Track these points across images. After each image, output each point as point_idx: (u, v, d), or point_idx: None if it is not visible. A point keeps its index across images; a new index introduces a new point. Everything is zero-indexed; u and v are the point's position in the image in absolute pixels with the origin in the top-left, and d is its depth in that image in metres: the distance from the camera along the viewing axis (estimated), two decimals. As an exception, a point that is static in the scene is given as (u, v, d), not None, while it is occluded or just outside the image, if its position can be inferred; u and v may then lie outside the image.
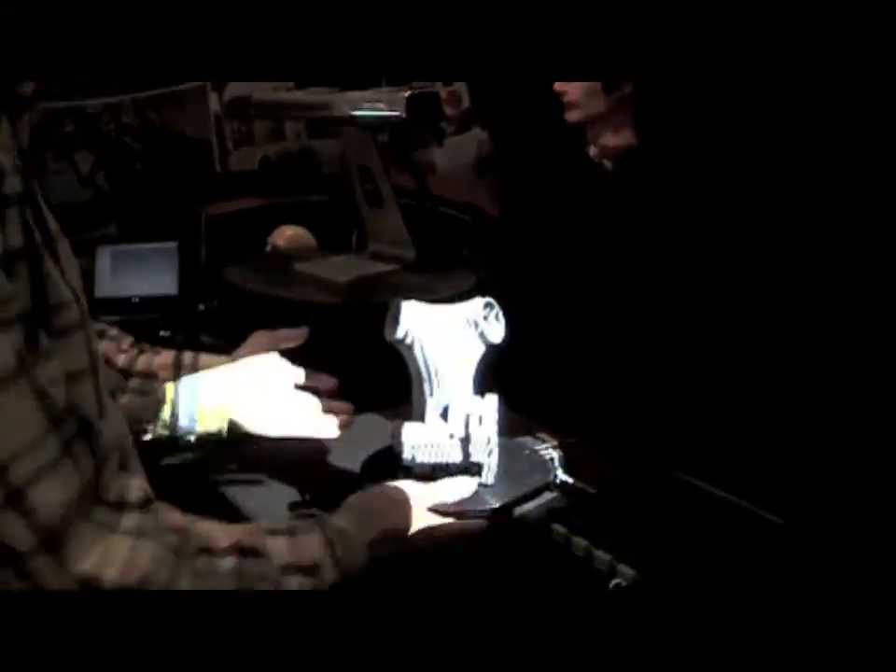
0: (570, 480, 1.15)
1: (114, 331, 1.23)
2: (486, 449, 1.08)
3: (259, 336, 1.32)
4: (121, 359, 1.19)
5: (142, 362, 1.20)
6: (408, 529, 1.02)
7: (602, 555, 0.97)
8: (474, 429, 1.08)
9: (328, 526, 0.94)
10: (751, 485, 1.07)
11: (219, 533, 0.84)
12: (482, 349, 1.13)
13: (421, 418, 1.12)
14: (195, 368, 1.21)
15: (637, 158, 1.37)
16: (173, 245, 2.05)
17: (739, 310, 1.24)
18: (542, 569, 1.01)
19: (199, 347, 1.79)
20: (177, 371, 1.20)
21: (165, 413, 1.15)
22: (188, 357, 1.23)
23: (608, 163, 1.43)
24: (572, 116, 1.39)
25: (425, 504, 1.05)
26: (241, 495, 1.21)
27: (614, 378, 1.39)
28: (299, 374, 1.24)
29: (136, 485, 0.78)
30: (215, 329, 1.87)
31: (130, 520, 0.75)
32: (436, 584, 0.99)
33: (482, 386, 1.14)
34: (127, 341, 1.22)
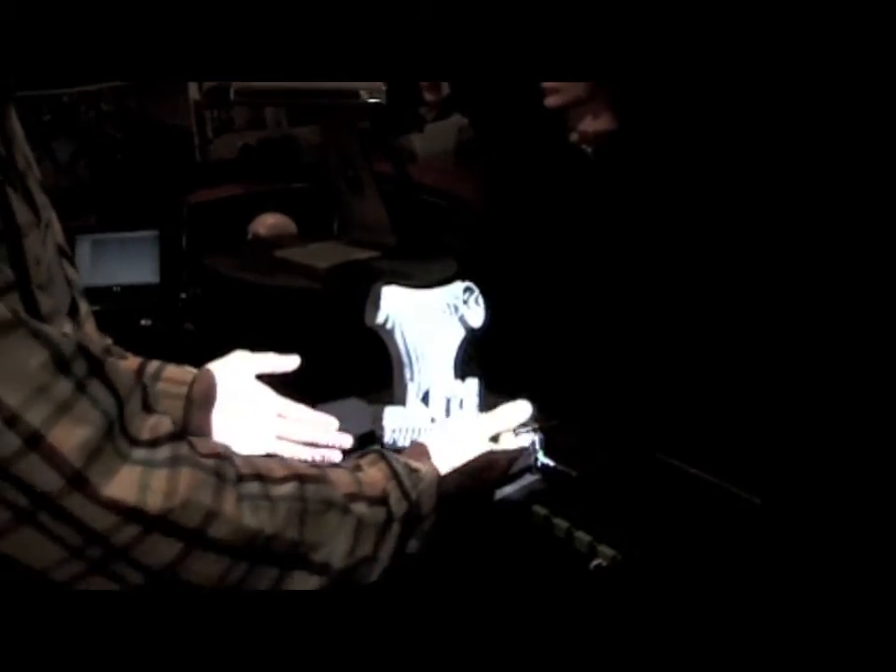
0: (551, 462, 1.16)
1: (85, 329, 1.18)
2: None
3: (238, 357, 1.19)
4: None
5: None
6: (481, 463, 1.02)
7: (582, 536, 0.98)
8: (455, 413, 1.09)
9: (393, 459, 0.92)
10: (729, 466, 1.08)
11: (275, 465, 0.83)
12: (462, 333, 1.14)
13: (402, 402, 1.12)
14: (157, 377, 1.13)
15: (617, 142, 1.38)
16: (153, 233, 2.04)
17: (718, 292, 1.25)
18: (523, 551, 1.02)
19: (181, 336, 1.80)
20: (139, 377, 1.12)
21: None
22: (152, 367, 1.14)
23: (588, 148, 1.43)
24: (552, 101, 1.39)
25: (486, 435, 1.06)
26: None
27: (594, 361, 1.40)
28: (286, 406, 1.17)
29: (164, 419, 0.77)
30: (196, 318, 1.87)
31: (164, 451, 0.74)
32: (418, 566, 0.99)
33: (462, 370, 1.15)
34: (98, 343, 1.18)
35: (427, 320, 1.12)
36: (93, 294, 1.95)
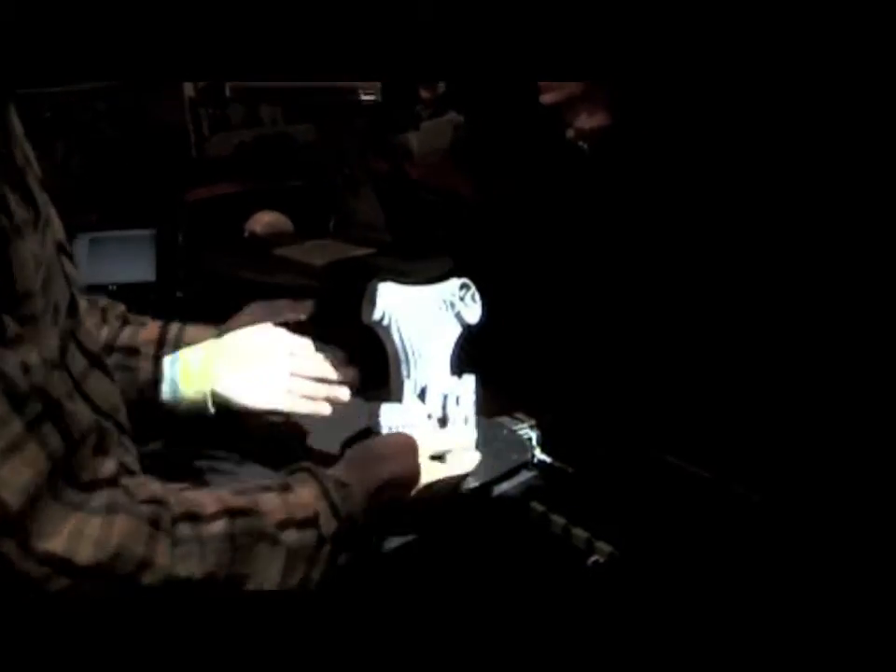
0: (548, 459, 1.16)
1: (104, 301, 1.17)
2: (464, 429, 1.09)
3: (256, 307, 1.24)
4: (104, 333, 1.13)
5: (125, 336, 1.14)
6: (412, 476, 1.00)
7: (579, 533, 0.98)
8: (452, 410, 1.09)
9: (323, 476, 0.91)
10: (727, 462, 1.08)
11: (206, 499, 0.82)
12: (458, 330, 1.14)
13: (398, 399, 1.12)
14: (178, 343, 1.15)
15: (613, 139, 1.38)
16: (150, 232, 2.04)
17: (714, 287, 1.25)
18: (521, 547, 1.02)
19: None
20: (160, 348, 1.15)
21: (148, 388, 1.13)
22: (173, 330, 1.16)
23: (584, 145, 1.43)
24: (547, 98, 1.39)
25: (428, 452, 1.04)
26: (216, 480, 1.20)
27: (590, 358, 1.40)
28: (297, 343, 1.17)
29: (109, 462, 0.76)
30: (193, 316, 1.87)
31: (100, 497, 0.73)
32: (415, 563, 0.99)
33: (459, 367, 1.15)
34: (115, 312, 1.17)
35: (424, 317, 1.12)
36: (90, 292, 1.95)
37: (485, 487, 1.09)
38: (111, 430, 0.82)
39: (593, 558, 0.95)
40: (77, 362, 0.92)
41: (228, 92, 2.03)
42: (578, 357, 1.42)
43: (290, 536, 0.84)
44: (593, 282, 1.45)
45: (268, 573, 0.82)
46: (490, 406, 1.21)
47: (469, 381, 1.12)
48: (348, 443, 1.17)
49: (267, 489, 0.87)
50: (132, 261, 2.01)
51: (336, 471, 0.95)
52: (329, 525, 0.88)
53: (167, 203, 2.17)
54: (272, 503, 0.85)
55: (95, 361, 0.95)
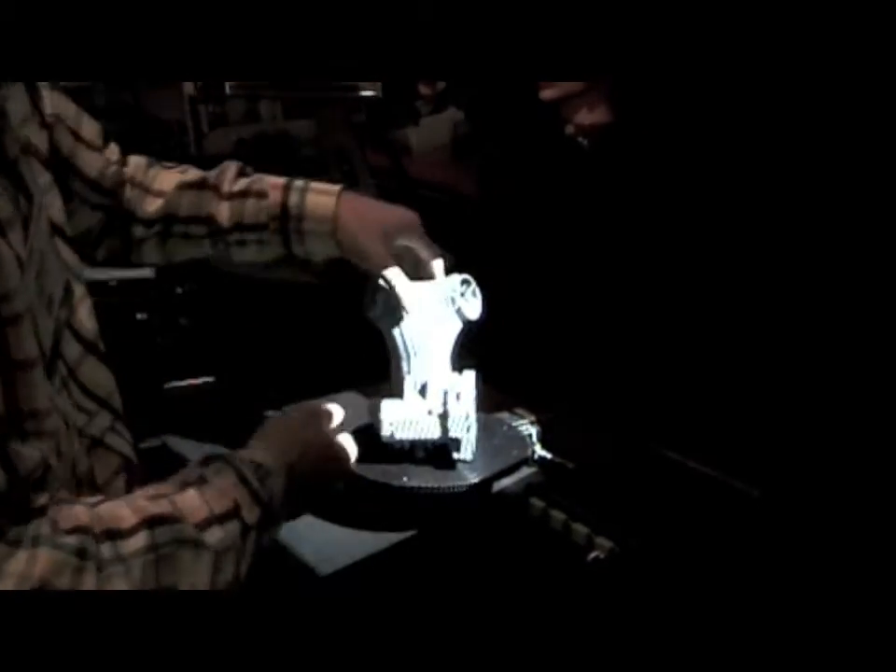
0: (548, 455, 1.16)
1: (213, 174, 1.20)
2: (465, 425, 1.09)
3: None
4: (225, 214, 1.15)
5: (250, 213, 1.15)
6: (327, 445, 1.00)
7: (580, 529, 0.98)
8: (452, 405, 1.09)
9: (239, 463, 0.88)
10: (727, 458, 1.08)
11: (124, 511, 0.79)
12: (459, 326, 1.14)
13: (399, 395, 1.12)
14: (300, 216, 1.14)
15: (613, 135, 1.38)
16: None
17: (715, 284, 1.25)
18: (521, 543, 1.02)
19: (177, 331, 1.79)
20: (285, 223, 1.14)
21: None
22: (293, 199, 1.15)
23: (584, 141, 1.43)
24: (547, 94, 1.39)
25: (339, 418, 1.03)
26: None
27: (590, 354, 1.40)
28: None
29: (43, 496, 0.75)
30: (192, 312, 1.87)
31: (30, 530, 0.72)
32: (414, 559, 0.99)
33: (459, 363, 1.15)
34: (226, 181, 1.18)
35: (425, 313, 1.12)
36: (89, 288, 1.95)
37: (485, 483, 1.09)
38: (54, 467, 0.80)
39: (593, 554, 0.95)
40: (72, 350, 0.92)
41: (227, 89, 2.03)
42: (578, 353, 1.42)
43: (214, 535, 0.82)
44: (592, 278, 1.45)
45: (197, 578, 0.80)
46: (490, 402, 1.21)
47: (470, 377, 1.12)
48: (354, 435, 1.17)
49: (185, 485, 0.84)
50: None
51: (251, 452, 0.92)
52: (251, 513, 0.86)
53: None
54: (191, 502, 0.83)
55: (91, 348, 0.95)
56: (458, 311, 1.12)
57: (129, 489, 0.96)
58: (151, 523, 0.79)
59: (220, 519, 0.83)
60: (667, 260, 1.31)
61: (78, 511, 0.77)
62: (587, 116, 1.37)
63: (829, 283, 1.13)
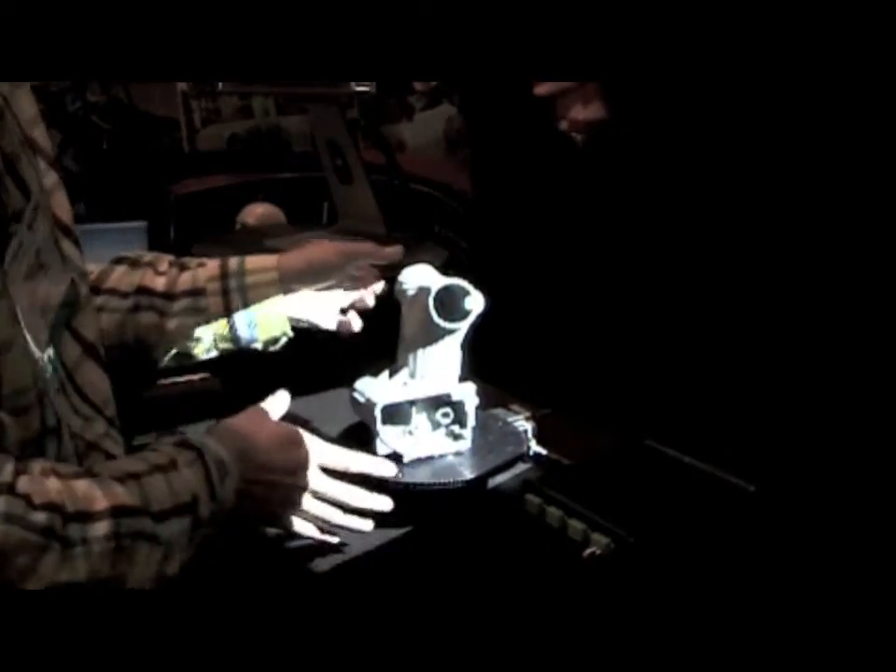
0: (543, 451, 1.16)
1: (149, 257, 1.17)
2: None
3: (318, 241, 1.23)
4: (161, 283, 1.13)
5: (184, 281, 1.14)
6: (294, 470, 0.96)
7: (576, 525, 0.98)
8: (442, 418, 1.10)
9: (209, 458, 0.89)
10: (723, 453, 1.08)
11: (97, 492, 0.80)
12: (459, 330, 1.12)
13: (390, 375, 1.13)
14: (243, 271, 1.15)
15: (607, 131, 1.37)
16: (142, 224, 2.03)
17: (710, 280, 1.25)
18: (517, 540, 1.01)
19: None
20: (225, 282, 1.14)
21: (223, 329, 1.14)
22: (233, 262, 1.16)
23: (577, 137, 1.43)
24: (541, 89, 1.39)
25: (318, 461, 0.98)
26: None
27: (585, 350, 1.40)
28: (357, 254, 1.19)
29: (7, 465, 0.76)
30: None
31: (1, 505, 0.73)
32: (410, 556, 0.99)
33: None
34: (164, 262, 1.16)
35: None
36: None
37: (481, 480, 1.09)
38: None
39: (589, 551, 0.95)
40: (71, 351, 0.92)
41: (219, 86, 2.03)
42: (573, 349, 1.42)
43: (169, 528, 0.83)
44: (588, 274, 1.45)
45: (146, 571, 0.81)
46: (486, 398, 1.20)
47: (469, 389, 1.12)
48: (346, 435, 1.17)
49: (156, 469, 0.85)
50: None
51: (219, 444, 0.91)
52: (205, 509, 0.86)
53: (159, 195, 2.17)
54: (157, 489, 0.83)
55: (90, 350, 0.95)
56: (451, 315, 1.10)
57: None
58: (119, 512, 0.79)
59: (179, 511, 0.84)
60: (663, 257, 1.31)
61: (52, 487, 0.77)
62: (581, 112, 1.37)
63: (824, 279, 1.13)
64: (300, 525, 0.97)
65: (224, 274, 1.15)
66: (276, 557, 0.98)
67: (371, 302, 1.25)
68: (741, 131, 1.21)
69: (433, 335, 1.10)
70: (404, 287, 1.12)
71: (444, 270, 1.15)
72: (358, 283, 1.23)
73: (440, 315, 1.07)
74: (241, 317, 1.14)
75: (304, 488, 0.96)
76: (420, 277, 1.12)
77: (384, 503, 1.00)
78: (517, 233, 1.67)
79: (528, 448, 1.16)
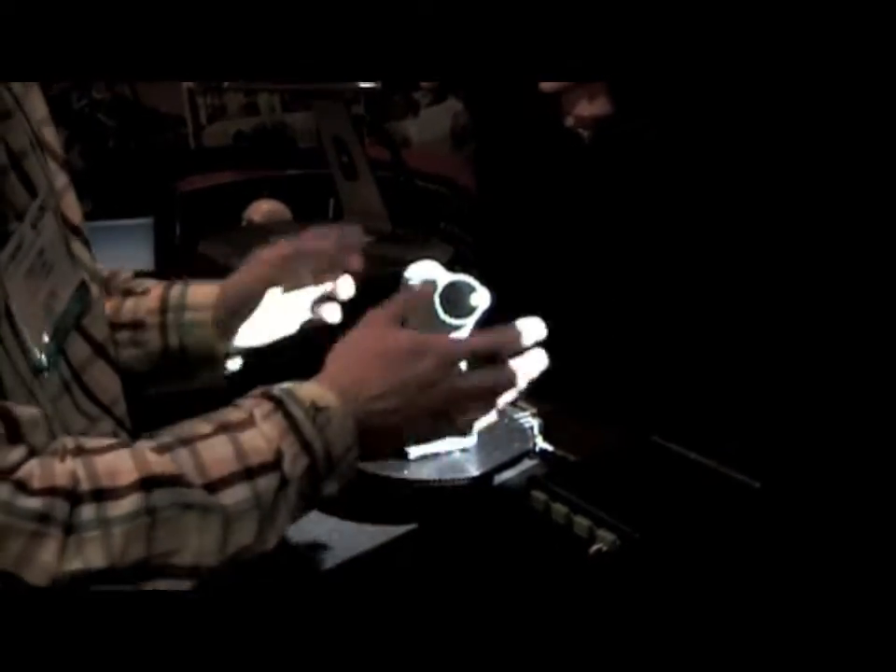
0: (549, 447, 1.16)
1: (105, 272, 1.13)
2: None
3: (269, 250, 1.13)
4: (107, 308, 1.07)
5: (127, 311, 1.10)
6: (426, 382, 0.86)
7: (582, 521, 0.97)
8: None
9: (293, 406, 0.80)
10: (728, 450, 1.08)
11: (125, 464, 0.74)
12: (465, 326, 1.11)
13: None
14: (183, 306, 1.10)
15: (613, 127, 1.37)
16: (147, 221, 2.03)
17: (717, 275, 1.24)
18: (522, 537, 1.01)
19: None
20: (164, 316, 1.10)
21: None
22: (174, 294, 1.11)
23: (584, 133, 1.43)
24: (547, 85, 1.39)
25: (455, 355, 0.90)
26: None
27: (591, 346, 1.40)
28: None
29: (15, 452, 0.72)
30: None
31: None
32: (415, 552, 0.99)
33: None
34: (116, 283, 1.14)
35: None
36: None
37: (486, 476, 1.09)
38: (23, 415, 0.74)
39: (595, 547, 0.95)
40: (80, 351, 0.92)
41: (225, 83, 2.03)
42: (579, 345, 1.42)
43: (232, 495, 0.76)
44: (592, 270, 1.45)
45: (203, 540, 0.75)
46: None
47: None
48: None
49: (222, 428, 0.78)
50: (130, 251, 2.01)
51: (312, 388, 0.83)
52: (295, 465, 0.79)
53: (165, 192, 2.17)
54: (218, 452, 0.77)
55: (100, 350, 0.95)
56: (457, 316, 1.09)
57: None
58: (150, 484, 0.73)
59: (252, 473, 0.77)
60: (668, 254, 1.31)
61: (62, 469, 0.72)
62: (587, 107, 1.36)
63: (828, 275, 1.13)
64: (459, 423, 0.89)
65: (163, 308, 1.10)
66: (279, 553, 0.98)
67: (343, 294, 1.16)
68: (748, 125, 1.21)
69: (438, 332, 1.10)
70: (410, 283, 1.12)
71: (450, 266, 1.15)
72: (323, 277, 1.14)
73: (445, 312, 1.06)
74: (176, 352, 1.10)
75: (442, 399, 0.87)
76: (426, 273, 1.11)
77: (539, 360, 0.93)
78: (523, 229, 1.66)
79: (534, 444, 1.16)
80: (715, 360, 1.24)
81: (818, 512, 1.00)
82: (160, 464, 0.75)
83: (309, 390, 0.83)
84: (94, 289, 0.94)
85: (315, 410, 0.81)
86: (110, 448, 0.76)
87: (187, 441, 0.77)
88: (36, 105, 0.90)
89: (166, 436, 0.78)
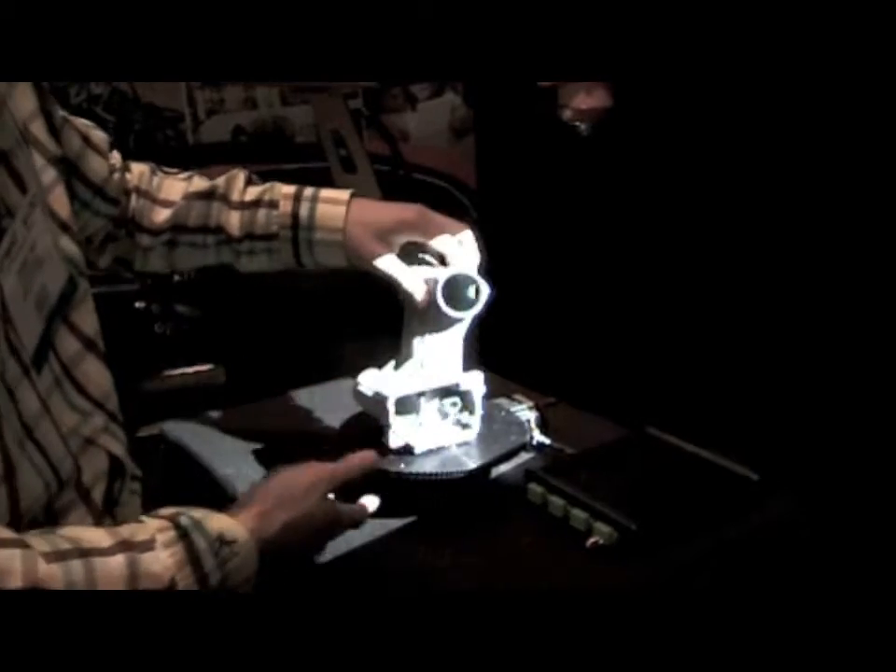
0: (546, 440, 1.16)
1: (221, 182, 1.16)
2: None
3: None
4: (235, 223, 1.12)
5: (261, 221, 1.12)
6: (315, 517, 0.89)
7: (579, 514, 0.98)
8: (448, 407, 1.10)
9: (197, 538, 0.79)
10: (726, 442, 1.08)
11: (14, 566, 0.70)
12: (464, 319, 1.11)
13: (396, 367, 1.12)
14: (312, 223, 1.11)
15: (611, 120, 1.37)
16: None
17: (714, 269, 1.25)
18: (520, 529, 1.01)
19: (175, 319, 1.79)
20: (296, 230, 1.12)
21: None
22: (304, 209, 1.12)
23: (581, 126, 1.43)
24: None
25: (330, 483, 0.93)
26: (216, 462, 1.20)
27: (588, 339, 1.40)
28: None
29: None
30: (190, 300, 1.87)
31: None
32: (413, 546, 0.99)
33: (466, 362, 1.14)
34: (235, 191, 1.15)
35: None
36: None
37: (484, 469, 1.09)
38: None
39: (592, 540, 0.95)
40: (69, 346, 0.91)
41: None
42: (576, 338, 1.42)
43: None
44: (590, 264, 1.45)
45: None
46: (489, 388, 1.20)
47: (477, 378, 1.12)
48: (348, 424, 1.17)
49: (122, 547, 0.76)
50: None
51: (228, 517, 0.83)
52: (187, 584, 0.77)
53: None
54: (111, 571, 0.74)
55: (90, 345, 0.95)
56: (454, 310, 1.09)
57: (112, 491, 0.95)
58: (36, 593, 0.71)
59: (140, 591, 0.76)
60: (665, 248, 1.31)
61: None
62: (585, 100, 1.37)
63: (826, 271, 1.13)
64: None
65: (295, 226, 1.12)
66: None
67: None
68: (748, 121, 1.21)
69: (440, 325, 1.10)
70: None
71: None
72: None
73: (447, 305, 1.06)
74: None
75: (324, 523, 0.90)
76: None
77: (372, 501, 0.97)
78: (522, 223, 1.66)
79: (531, 437, 1.16)
80: (712, 353, 1.24)
81: (815, 504, 1.00)
82: (47, 574, 0.72)
83: (219, 522, 0.82)
84: (83, 284, 0.94)
85: (221, 543, 0.80)
86: (3, 545, 0.72)
87: (84, 553, 0.74)
88: (23, 100, 0.90)
89: (66, 541, 0.75)
